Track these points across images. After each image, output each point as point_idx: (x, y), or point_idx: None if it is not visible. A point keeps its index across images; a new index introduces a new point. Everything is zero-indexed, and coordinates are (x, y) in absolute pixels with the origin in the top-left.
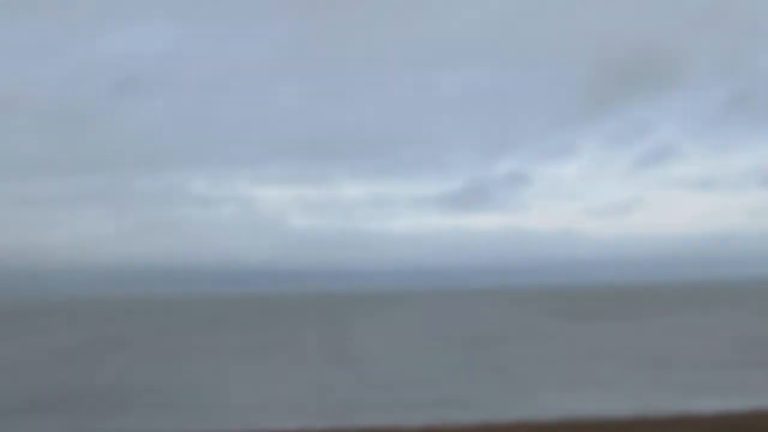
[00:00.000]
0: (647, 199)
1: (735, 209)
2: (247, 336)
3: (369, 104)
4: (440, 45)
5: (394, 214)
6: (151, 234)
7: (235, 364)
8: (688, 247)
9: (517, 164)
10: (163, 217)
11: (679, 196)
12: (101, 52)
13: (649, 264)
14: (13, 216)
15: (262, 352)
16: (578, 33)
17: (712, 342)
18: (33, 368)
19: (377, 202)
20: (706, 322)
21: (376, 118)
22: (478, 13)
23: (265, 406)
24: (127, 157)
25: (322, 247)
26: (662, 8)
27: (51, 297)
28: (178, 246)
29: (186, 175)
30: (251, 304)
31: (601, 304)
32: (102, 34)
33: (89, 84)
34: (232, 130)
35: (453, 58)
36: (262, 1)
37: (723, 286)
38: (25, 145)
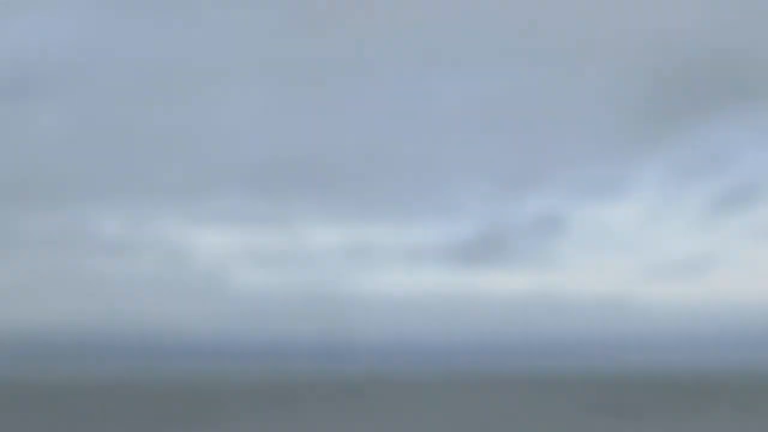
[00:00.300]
0: (726, 255)
1: None
2: None
3: (347, 117)
4: (444, 39)
5: (380, 270)
6: (40, 292)
7: None
8: None
9: (548, 204)
10: (59, 269)
11: None
12: None
13: (728, 344)
14: None
15: None
16: (633, 31)
17: None
18: None
19: (357, 254)
20: None
21: (356, 137)
22: None
23: None
24: (9, 185)
25: (280, 314)
26: (739, 3)
27: None
28: (79, 309)
29: (91, 211)
30: (178, 392)
31: (661, 396)
32: None
33: None
34: (156, 151)
35: (461, 57)
36: None
37: None
38: None
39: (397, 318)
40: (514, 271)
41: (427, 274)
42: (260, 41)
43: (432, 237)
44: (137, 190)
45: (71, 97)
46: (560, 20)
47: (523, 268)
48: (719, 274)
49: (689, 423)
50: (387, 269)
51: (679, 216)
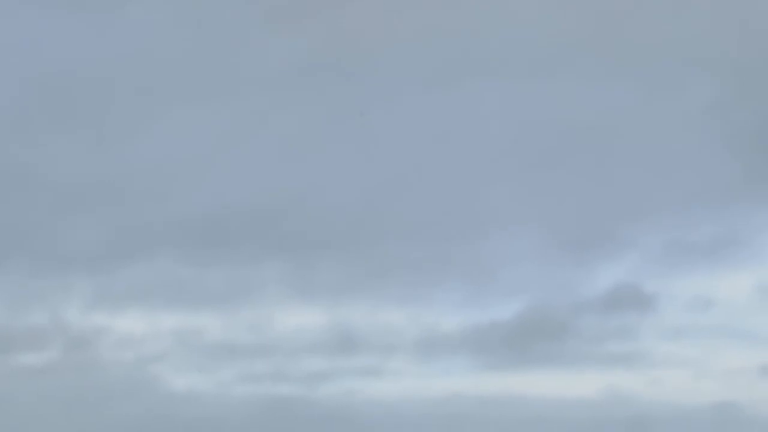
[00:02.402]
0: None
1: None
2: None
3: (333, 148)
4: (477, 43)
5: (380, 369)
6: None
7: None
8: None
9: (625, 276)
10: None
11: None
12: None
13: None
14: None
15: None
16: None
17: None
18: None
19: (345, 346)
20: None
21: (346, 178)
22: None
23: None
24: None
25: None
26: None
27: None
28: None
29: None
30: None
31: None
32: None
33: None
34: (60, 204)
35: (500, 67)
36: None
37: None
38: None
39: None
40: (575, 371)
41: (449, 375)
42: (212, 44)
43: (455, 323)
44: (28, 258)
45: None
46: (646, 16)
47: (587, 366)
48: None
49: None
50: (390, 368)
51: None
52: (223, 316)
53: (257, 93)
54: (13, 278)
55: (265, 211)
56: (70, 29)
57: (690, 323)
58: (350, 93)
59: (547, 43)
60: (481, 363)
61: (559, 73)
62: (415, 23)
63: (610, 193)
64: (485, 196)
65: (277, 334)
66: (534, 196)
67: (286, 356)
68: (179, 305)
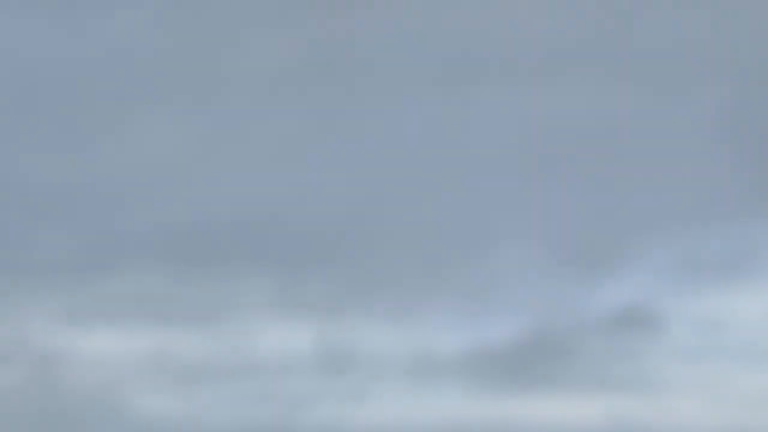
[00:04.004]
0: None
1: None
2: None
3: (321, 154)
4: (478, 42)
5: (372, 392)
6: None
7: None
8: None
9: (632, 293)
10: None
11: None
12: None
13: None
14: None
15: None
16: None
17: None
18: None
19: (335, 367)
20: None
21: (334, 187)
22: None
23: None
24: None
25: None
26: None
27: None
28: None
29: None
30: None
31: None
32: None
33: None
34: (27, 213)
35: (502, 69)
36: None
37: None
38: None
39: None
40: (579, 397)
41: (443, 400)
42: (198, 43)
43: (451, 343)
44: None
45: None
46: (659, 16)
47: (592, 391)
48: None
49: None
50: (379, 392)
51: None
52: (202, 334)
53: (244, 95)
54: None
55: (248, 221)
56: (46, 26)
57: (704, 345)
58: (342, 96)
59: (552, 45)
60: (479, 387)
61: (563, 76)
62: (414, 21)
63: (617, 204)
64: (483, 206)
65: (259, 354)
66: (536, 207)
67: (267, 378)
68: (154, 323)
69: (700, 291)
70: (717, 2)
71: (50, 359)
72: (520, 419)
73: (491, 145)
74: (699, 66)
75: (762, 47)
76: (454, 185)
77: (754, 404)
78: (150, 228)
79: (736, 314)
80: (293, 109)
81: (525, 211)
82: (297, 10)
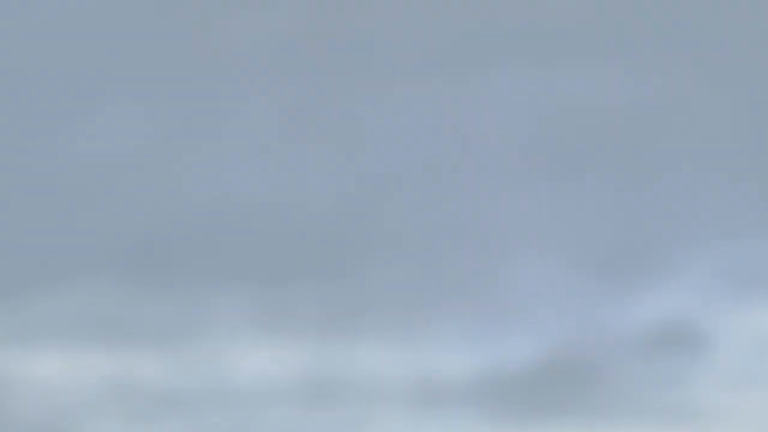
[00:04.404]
0: None
1: None
2: None
3: (306, 145)
4: (481, 28)
5: (369, 421)
6: None
7: None
8: None
9: (670, 307)
10: None
11: None
12: None
13: None
14: None
15: None
16: None
17: None
18: None
19: (323, 395)
20: None
21: (324, 181)
22: None
23: None
24: None
25: None
26: None
27: None
28: None
29: None
30: None
31: None
32: None
33: None
34: None
35: (502, 49)
36: None
37: None
38: None
39: None
40: (609, 429)
41: (454, 429)
42: (167, 21)
43: (459, 367)
44: None
45: None
46: None
47: (624, 422)
48: None
49: None
50: (377, 423)
51: None
52: (167, 357)
53: (220, 80)
54: None
55: (222, 225)
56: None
57: (753, 369)
58: (335, 82)
59: (573, 22)
60: (492, 417)
61: (589, 57)
62: (415, 0)
63: (653, 206)
64: (498, 209)
65: (235, 381)
66: (558, 210)
67: (246, 409)
68: (111, 344)
69: (752, 307)
70: None
71: None
72: None
73: (506, 138)
74: (749, 43)
75: None
76: (462, 185)
77: None
78: (108, 234)
79: None
80: (280, 96)
81: (545, 214)
82: None
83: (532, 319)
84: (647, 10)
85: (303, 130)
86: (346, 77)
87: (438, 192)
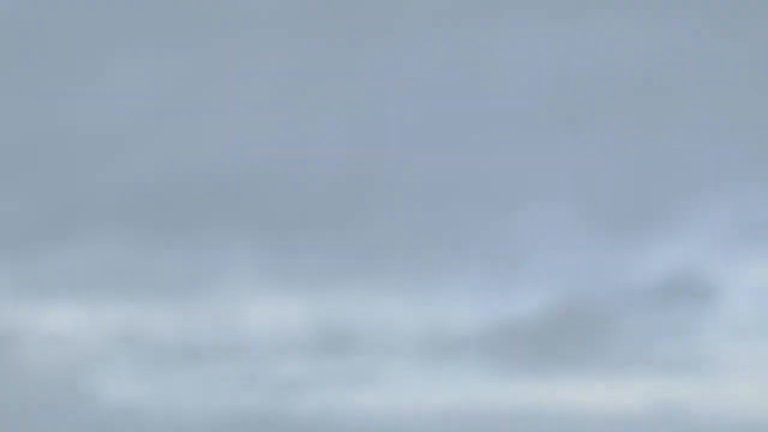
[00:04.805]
0: None
1: None
2: None
3: (313, 100)
4: None
5: (374, 374)
6: None
7: None
8: None
9: (680, 260)
10: None
11: None
12: None
13: None
14: None
15: None
16: None
17: None
18: None
19: (332, 346)
20: None
21: (326, 134)
22: None
23: None
24: None
25: None
26: None
27: None
28: None
29: None
30: None
31: None
32: None
33: None
34: None
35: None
36: None
37: None
38: None
39: None
40: (618, 379)
41: (459, 383)
42: None
43: (469, 318)
44: None
45: None
46: None
47: (633, 373)
48: None
49: None
50: (386, 374)
51: None
52: (178, 310)
53: (227, 33)
54: None
55: (233, 178)
56: None
57: (761, 319)
58: (343, 35)
59: None
60: (501, 368)
61: (600, 8)
62: None
63: (664, 157)
64: (508, 162)
65: (245, 332)
66: (568, 163)
67: (256, 360)
68: (122, 297)
69: (759, 257)
70: None
71: (3, 338)
72: (548, 404)
73: (517, 90)
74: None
75: None
76: (473, 137)
77: None
78: (118, 187)
79: None
80: (287, 49)
81: (556, 166)
82: None
83: (542, 270)
84: None
85: (312, 84)
86: (355, 33)
87: (447, 145)
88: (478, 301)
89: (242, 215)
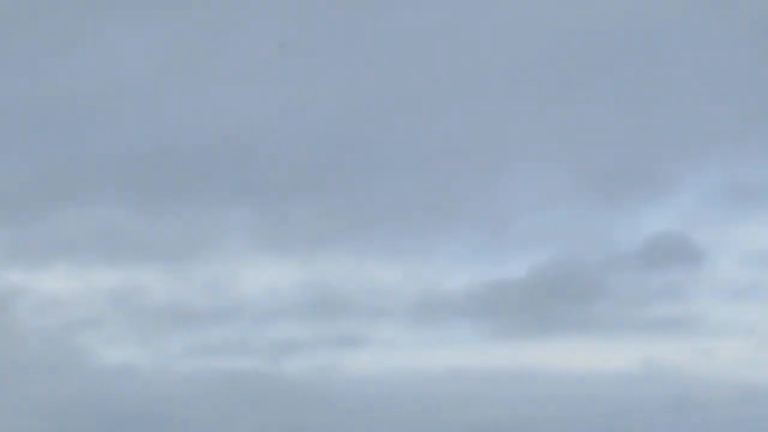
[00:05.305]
0: None
1: None
2: None
3: (303, 68)
4: None
5: (370, 335)
6: None
7: None
8: None
9: (670, 222)
10: None
11: None
12: None
13: None
14: None
15: None
16: None
17: None
18: None
19: (327, 307)
20: None
21: (318, 100)
22: None
23: None
24: None
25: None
26: None
27: None
28: None
29: None
30: None
31: None
32: None
33: None
34: None
35: None
36: None
37: None
38: None
39: (401, 421)
40: (608, 340)
41: (451, 344)
42: None
43: (461, 281)
44: None
45: None
46: None
47: (623, 334)
48: None
49: None
50: (378, 337)
51: None
52: (171, 273)
53: (223, 1)
54: None
55: (226, 143)
56: None
57: (750, 281)
58: (336, 1)
59: None
60: (492, 330)
61: None
62: None
63: (653, 122)
64: (501, 124)
65: (238, 295)
66: (560, 126)
67: (249, 322)
68: (117, 260)
69: (748, 220)
70: None
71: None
72: (539, 366)
73: (510, 53)
74: None
75: None
76: (465, 100)
77: None
78: (113, 151)
79: None
80: (281, 13)
81: (547, 129)
82: None
83: (532, 233)
84: None
85: (305, 51)
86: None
87: (440, 110)
88: (468, 264)
89: (235, 181)
